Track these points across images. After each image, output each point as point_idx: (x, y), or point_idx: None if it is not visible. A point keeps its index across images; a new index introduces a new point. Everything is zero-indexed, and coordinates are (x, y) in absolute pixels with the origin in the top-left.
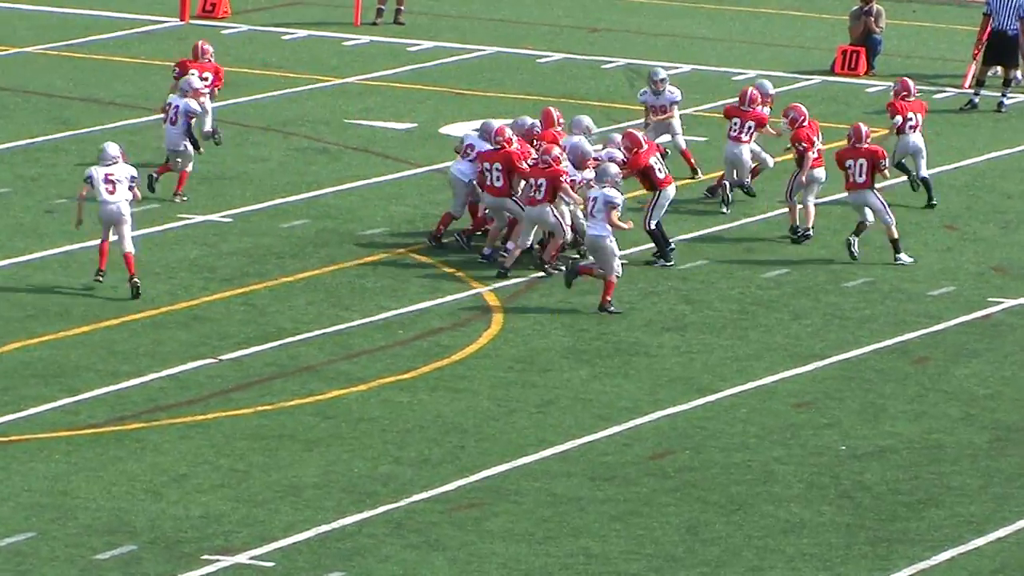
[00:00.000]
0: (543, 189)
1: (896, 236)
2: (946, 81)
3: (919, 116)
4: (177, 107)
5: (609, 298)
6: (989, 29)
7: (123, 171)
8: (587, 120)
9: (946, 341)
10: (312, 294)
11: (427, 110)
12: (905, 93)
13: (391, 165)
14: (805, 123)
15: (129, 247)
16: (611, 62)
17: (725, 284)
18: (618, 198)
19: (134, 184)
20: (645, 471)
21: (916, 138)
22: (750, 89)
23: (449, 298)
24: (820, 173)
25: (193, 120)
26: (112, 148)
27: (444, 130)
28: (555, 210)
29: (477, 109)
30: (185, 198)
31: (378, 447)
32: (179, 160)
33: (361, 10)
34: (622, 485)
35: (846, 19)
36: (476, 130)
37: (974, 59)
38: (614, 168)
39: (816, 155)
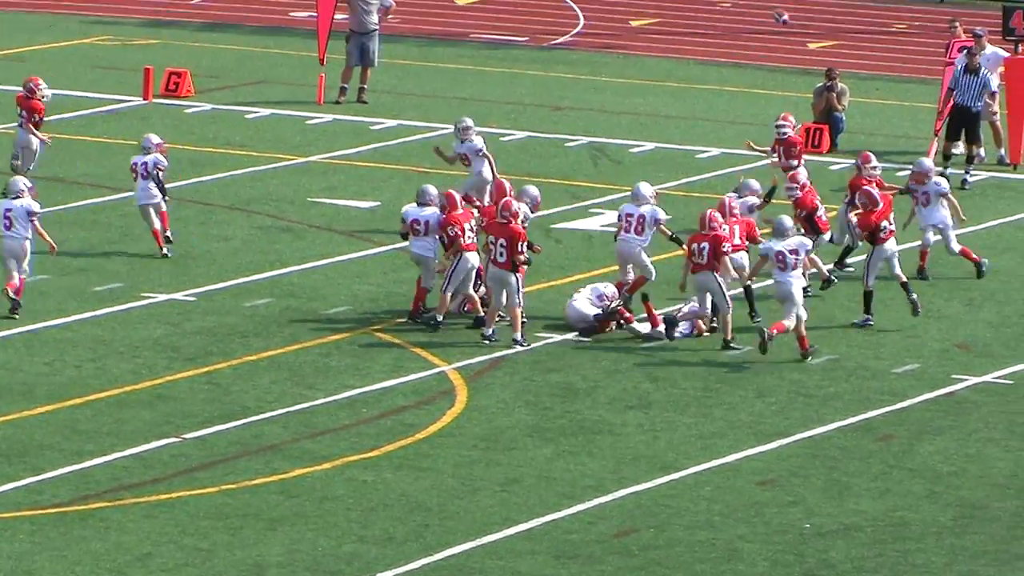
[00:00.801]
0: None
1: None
2: (910, 158)
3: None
4: (146, 164)
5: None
6: (951, 104)
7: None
8: (534, 190)
9: (910, 418)
10: (276, 373)
11: (391, 188)
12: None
13: (355, 243)
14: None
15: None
16: (575, 140)
17: (689, 361)
18: (809, 244)
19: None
20: (609, 549)
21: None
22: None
23: (413, 376)
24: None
25: (161, 172)
26: (17, 183)
27: (406, 209)
28: (718, 278)
29: (441, 187)
30: (170, 240)
31: (342, 526)
32: (152, 211)
33: (324, 89)
34: (586, 563)
35: (810, 96)
36: (414, 203)
37: (935, 134)
38: (788, 220)
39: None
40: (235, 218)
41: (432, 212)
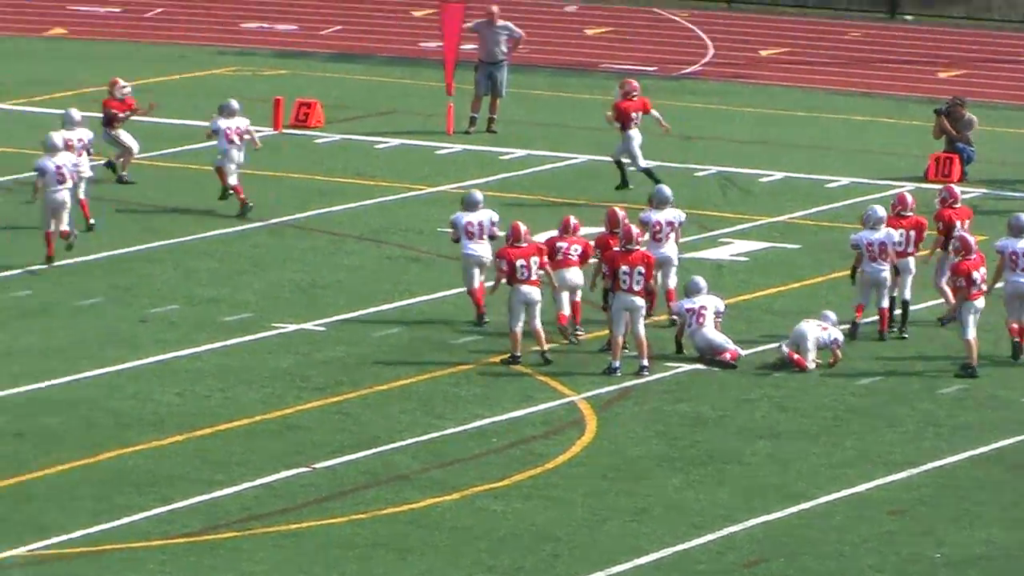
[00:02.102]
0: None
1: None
2: None
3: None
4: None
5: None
6: None
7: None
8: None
9: None
10: (406, 402)
11: (519, 218)
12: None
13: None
14: (955, 204)
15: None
16: (704, 170)
17: (819, 391)
18: None
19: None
20: None
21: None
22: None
23: (543, 406)
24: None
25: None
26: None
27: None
28: None
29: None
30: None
31: (472, 556)
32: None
33: (453, 119)
34: None
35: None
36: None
37: None
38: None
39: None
40: (365, 248)
41: (485, 214)
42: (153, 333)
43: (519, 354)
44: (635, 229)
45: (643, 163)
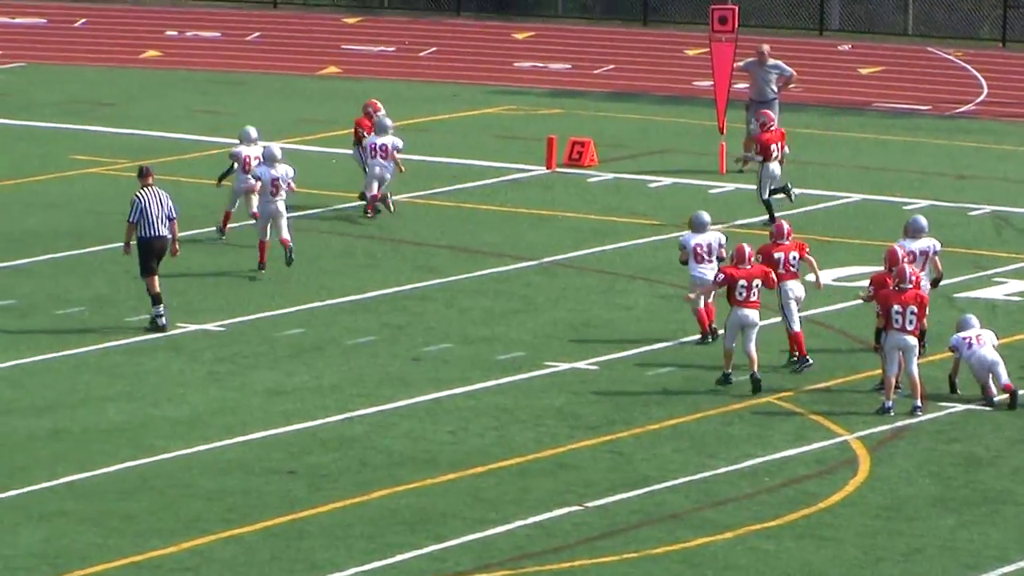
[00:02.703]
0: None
1: None
2: None
3: None
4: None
5: None
6: None
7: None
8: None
9: None
10: (678, 441)
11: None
12: None
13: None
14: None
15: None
16: (978, 209)
17: None
18: None
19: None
20: None
21: None
22: None
23: (815, 445)
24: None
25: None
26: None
27: (808, 278)
28: None
29: (843, 256)
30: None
31: None
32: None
33: (725, 157)
34: None
35: None
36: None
37: None
38: None
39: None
40: (637, 287)
41: (713, 236)
42: (426, 372)
43: (729, 371)
44: (907, 269)
45: (765, 195)
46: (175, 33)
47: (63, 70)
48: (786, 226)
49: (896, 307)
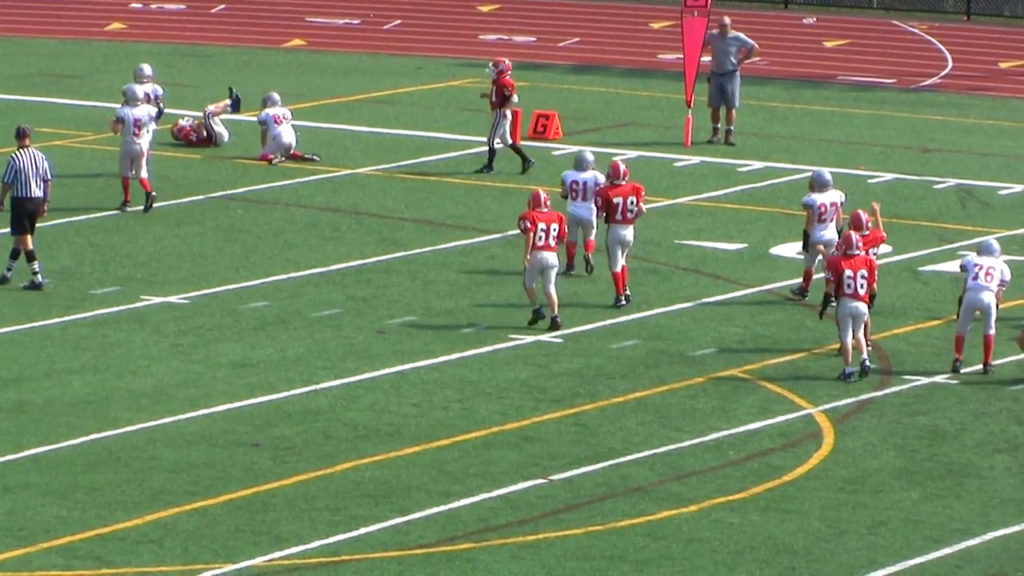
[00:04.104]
0: None
1: None
2: None
3: None
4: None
5: None
6: None
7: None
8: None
9: None
10: (643, 414)
11: (758, 231)
12: None
13: (721, 286)
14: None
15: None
16: (943, 182)
17: None
18: None
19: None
20: None
21: None
22: None
23: (780, 419)
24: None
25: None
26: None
27: (775, 251)
28: None
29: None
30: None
31: (709, 568)
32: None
33: (692, 131)
34: None
35: None
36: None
37: None
38: None
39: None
40: (602, 260)
41: (591, 175)
42: (391, 344)
43: (538, 306)
44: (854, 236)
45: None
46: (140, 6)
47: (27, 42)
48: (622, 166)
49: (847, 271)
